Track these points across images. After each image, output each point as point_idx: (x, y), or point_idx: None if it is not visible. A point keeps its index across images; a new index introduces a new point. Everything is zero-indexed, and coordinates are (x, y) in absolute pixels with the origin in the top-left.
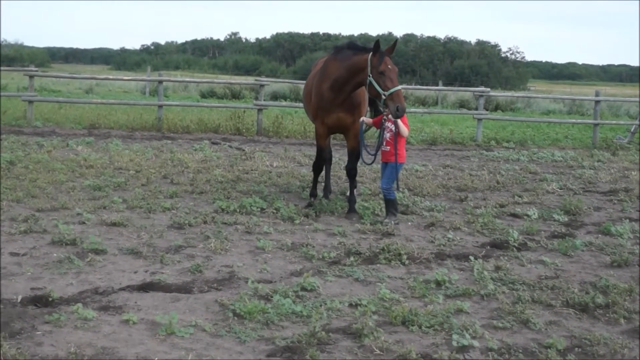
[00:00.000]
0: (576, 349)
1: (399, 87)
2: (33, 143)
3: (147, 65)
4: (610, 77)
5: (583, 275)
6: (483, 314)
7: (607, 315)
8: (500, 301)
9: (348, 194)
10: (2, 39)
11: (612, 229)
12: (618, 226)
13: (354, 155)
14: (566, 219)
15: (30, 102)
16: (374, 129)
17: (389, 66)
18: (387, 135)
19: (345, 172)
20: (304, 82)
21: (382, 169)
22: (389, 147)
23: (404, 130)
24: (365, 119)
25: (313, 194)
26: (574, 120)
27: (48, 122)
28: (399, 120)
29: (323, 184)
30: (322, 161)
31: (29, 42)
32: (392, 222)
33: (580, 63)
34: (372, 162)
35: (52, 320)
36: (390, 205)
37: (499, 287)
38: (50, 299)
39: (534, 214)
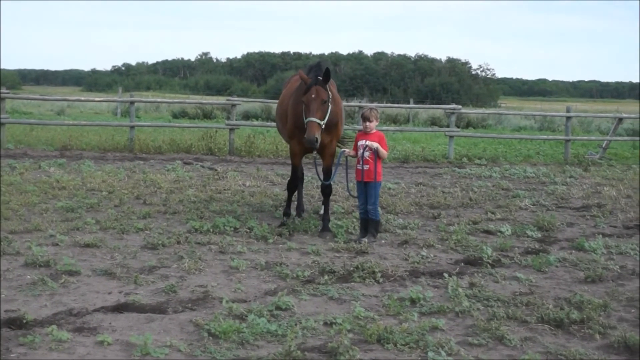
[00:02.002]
0: None
1: (312, 119)
2: (5, 165)
3: (119, 86)
4: (580, 93)
5: (557, 291)
6: (458, 330)
7: (582, 330)
8: (475, 318)
9: (322, 212)
10: None
11: (586, 244)
12: (591, 242)
13: (328, 174)
14: (539, 235)
15: (2, 124)
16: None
17: (312, 96)
18: (367, 154)
19: (319, 190)
20: (276, 101)
21: (358, 189)
22: (368, 166)
23: (383, 153)
24: (347, 151)
25: (287, 213)
26: (545, 137)
27: (20, 144)
28: (374, 144)
29: (296, 202)
30: (296, 180)
31: None
32: (370, 242)
33: (550, 79)
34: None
35: (27, 342)
36: (373, 226)
37: (473, 303)
38: (24, 321)
39: (507, 230)
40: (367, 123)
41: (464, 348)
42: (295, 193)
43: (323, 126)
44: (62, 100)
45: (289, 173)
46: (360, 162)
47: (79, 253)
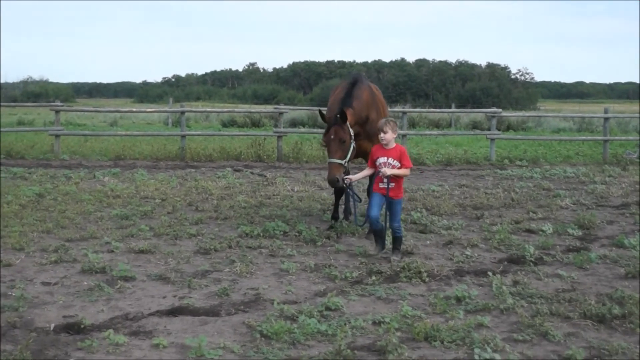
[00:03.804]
0: (595, 359)
1: (332, 160)
2: (61, 175)
3: (169, 97)
4: (617, 95)
5: (599, 287)
6: (503, 327)
7: (624, 325)
8: (519, 315)
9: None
10: (27, 77)
11: (626, 241)
12: (631, 238)
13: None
14: (580, 233)
15: (57, 136)
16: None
17: (332, 137)
18: (387, 180)
19: (366, 193)
20: (323, 108)
21: (374, 198)
22: (393, 184)
23: (404, 173)
24: (353, 176)
25: (335, 217)
26: (584, 138)
27: (75, 154)
28: (385, 170)
29: (343, 206)
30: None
31: (53, 78)
32: (399, 257)
33: (587, 82)
34: (363, 223)
35: (85, 347)
36: (398, 243)
37: (517, 301)
38: (82, 326)
39: (549, 229)
40: (382, 135)
41: (509, 344)
42: (342, 197)
43: (346, 164)
44: (115, 112)
45: None
46: (384, 181)
47: (134, 259)
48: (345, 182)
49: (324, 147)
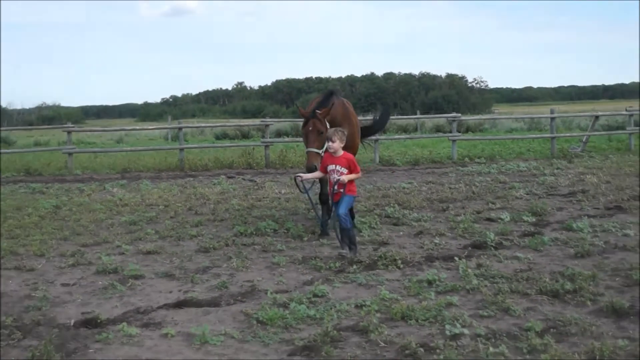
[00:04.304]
0: (552, 329)
1: (310, 149)
2: (75, 189)
3: (168, 115)
4: (561, 97)
5: (552, 267)
6: (470, 305)
7: (576, 299)
8: (483, 293)
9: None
10: (42, 102)
11: (574, 225)
12: (578, 222)
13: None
14: (534, 220)
15: (70, 154)
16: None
17: (310, 128)
18: (340, 177)
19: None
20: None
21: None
22: (343, 190)
23: (357, 175)
24: (304, 175)
25: (324, 222)
26: (534, 136)
27: (86, 169)
28: (342, 177)
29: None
30: (326, 193)
31: (65, 102)
32: (353, 254)
33: (535, 86)
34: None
35: (102, 339)
36: (345, 235)
37: (481, 281)
38: (98, 321)
39: (506, 217)
40: (330, 143)
41: (475, 320)
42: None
43: (322, 154)
44: (121, 130)
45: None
46: (334, 187)
47: (142, 259)
48: (297, 179)
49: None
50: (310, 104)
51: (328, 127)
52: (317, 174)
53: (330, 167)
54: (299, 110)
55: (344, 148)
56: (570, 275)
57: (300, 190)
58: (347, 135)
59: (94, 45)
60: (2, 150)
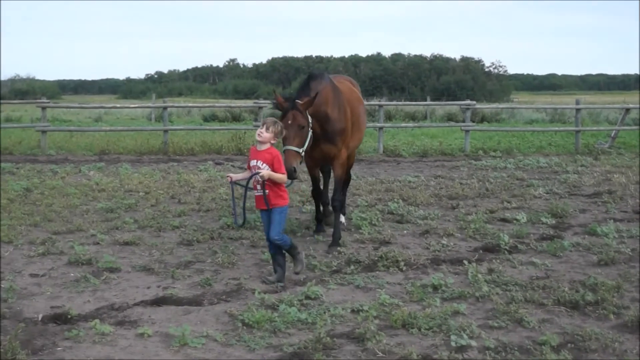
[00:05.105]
0: (569, 344)
1: (288, 147)
2: (48, 170)
3: (152, 93)
4: (588, 86)
5: (572, 275)
6: (479, 314)
7: (597, 311)
8: (494, 302)
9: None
10: (15, 74)
11: (598, 229)
12: (603, 227)
13: (341, 185)
14: (554, 222)
15: (44, 132)
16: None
17: (289, 122)
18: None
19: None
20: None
21: (263, 218)
22: (268, 191)
23: (279, 178)
24: (234, 175)
25: (318, 219)
26: (556, 128)
27: (61, 150)
28: (262, 172)
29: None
30: (318, 189)
31: (40, 75)
32: (303, 267)
33: (560, 74)
34: (243, 221)
35: (72, 337)
36: (291, 252)
37: (492, 288)
38: (69, 316)
39: (523, 218)
40: (262, 130)
41: (484, 331)
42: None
43: (302, 153)
44: (100, 108)
45: None
46: (258, 188)
47: (119, 251)
48: (227, 179)
49: None
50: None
51: (310, 120)
52: (247, 173)
53: (252, 162)
54: (276, 98)
55: (331, 141)
56: (592, 285)
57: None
58: (340, 124)
59: (73, 13)
60: None
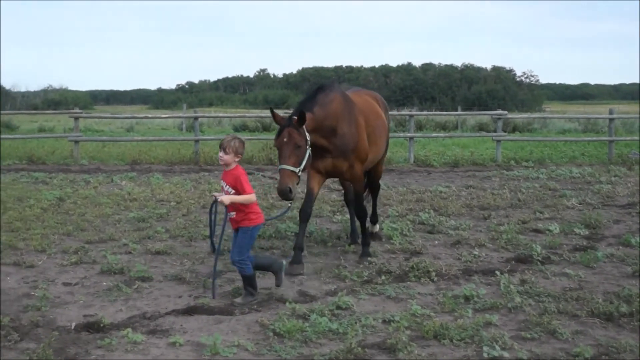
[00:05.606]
0: (603, 357)
1: (283, 166)
2: (80, 180)
3: (183, 103)
4: (622, 96)
5: (606, 286)
6: (511, 325)
7: (632, 323)
8: (527, 313)
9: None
10: (48, 85)
11: (632, 240)
12: (638, 237)
13: (361, 198)
14: (587, 233)
15: (76, 142)
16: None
17: (284, 140)
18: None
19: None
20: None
21: (233, 241)
22: (234, 213)
23: (244, 199)
24: (221, 196)
25: (299, 247)
26: (589, 138)
27: (93, 159)
28: (222, 198)
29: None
30: (309, 208)
31: (72, 86)
32: (248, 301)
33: (592, 83)
34: (214, 249)
35: (104, 345)
36: (247, 282)
37: (525, 299)
38: (101, 325)
39: (556, 228)
40: (221, 154)
41: (517, 342)
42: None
43: (299, 173)
44: (131, 118)
45: None
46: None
47: (151, 260)
48: (213, 198)
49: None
50: None
51: (309, 138)
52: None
53: (222, 183)
54: (273, 115)
55: (343, 156)
56: (626, 297)
57: (213, 215)
58: (350, 141)
59: (105, 24)
60: (4, 136)
